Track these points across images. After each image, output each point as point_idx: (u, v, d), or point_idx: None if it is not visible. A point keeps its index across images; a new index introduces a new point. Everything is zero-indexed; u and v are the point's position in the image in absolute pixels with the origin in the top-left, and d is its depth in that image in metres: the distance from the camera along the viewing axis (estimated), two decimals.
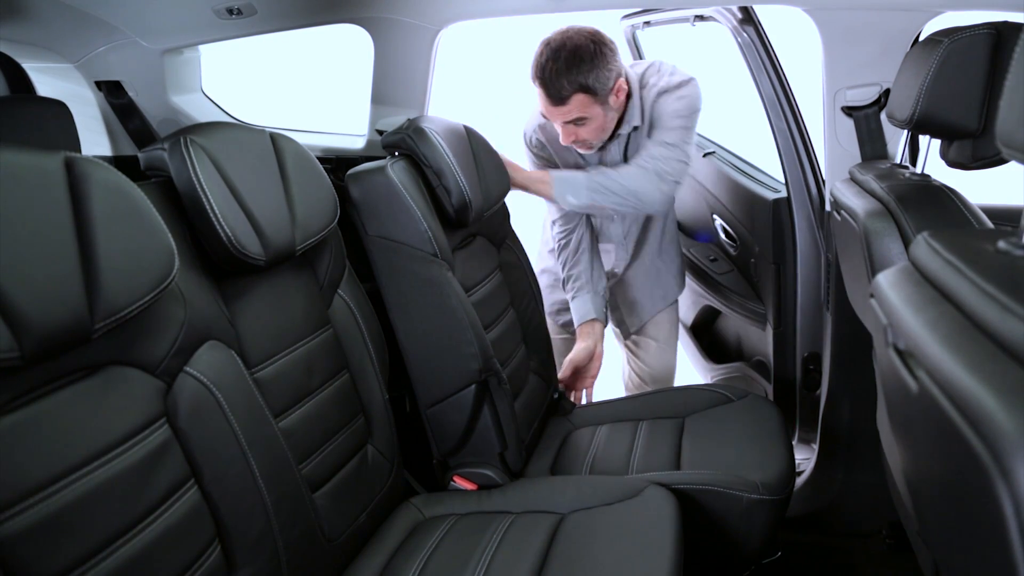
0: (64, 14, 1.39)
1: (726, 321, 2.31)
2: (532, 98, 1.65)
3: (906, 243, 1.04)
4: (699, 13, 1.81)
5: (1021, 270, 0.52)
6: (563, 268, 1.86)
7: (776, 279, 1.85)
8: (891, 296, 0.63)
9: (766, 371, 1.99)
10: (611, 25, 2.26)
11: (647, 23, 2.19)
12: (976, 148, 1.06)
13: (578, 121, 1.59)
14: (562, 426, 1.72)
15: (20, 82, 1.62)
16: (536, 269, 1.99)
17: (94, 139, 1.67)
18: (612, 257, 1.93)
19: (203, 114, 1.72)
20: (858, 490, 1.69)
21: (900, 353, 0.60)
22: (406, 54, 1.59)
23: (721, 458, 1.45)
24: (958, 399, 0.45)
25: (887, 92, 1.44)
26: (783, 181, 1.76)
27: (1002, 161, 0.98)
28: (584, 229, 1.83)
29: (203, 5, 1.42)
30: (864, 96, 1.47)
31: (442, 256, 1.40)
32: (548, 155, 1.79)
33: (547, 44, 1.53)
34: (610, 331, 2.00)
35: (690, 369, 2.40)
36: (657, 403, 1.76)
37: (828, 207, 1.60)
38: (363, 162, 1.72)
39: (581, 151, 1.70)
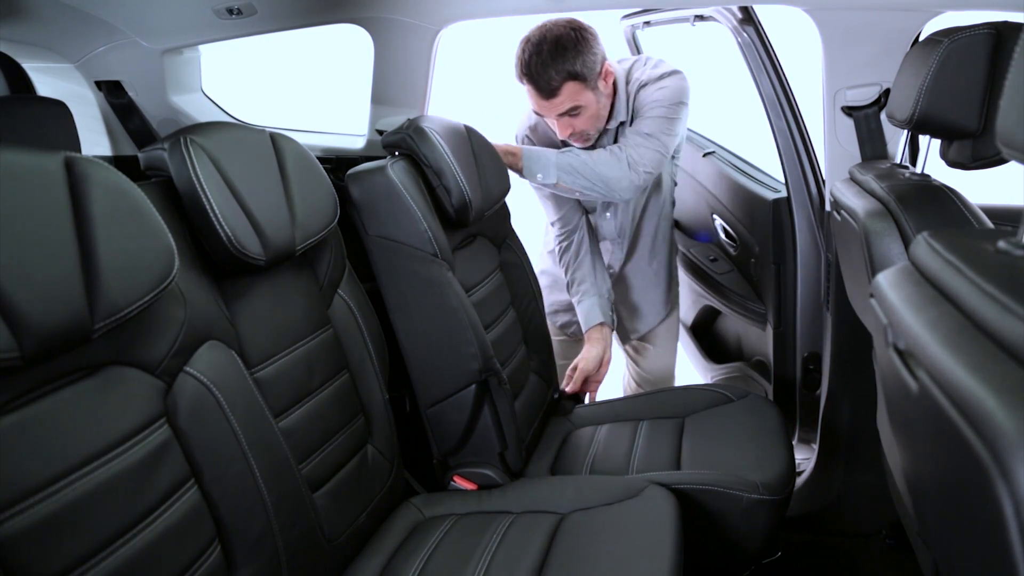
0: (64, 14, 1.39)
1: (726, 321, 2.31)
2: (524, 100, 1.65)
3: (906, 243, 1.05)
4: (699, 13, 1.81)
5: (1021, 270, 0.52)
6: (566, 271, 1.85)
7: (776, 279, 1.85)
8: (891, 296, 0.63)
9: (766, 371, 1.99)
10: (611, 25, 2.26)
11: (647, 23, 2.19)
12: (976, 148, 1.06)
13: (572, 111, 1.59)
14: (562, 426, 1.72)
15: (20, 82, 1.62)
16: (535, 270, 1.99)
17: (94, 139, 1.67)
18: (608, 255, 1.93)
19: (203, 114, 1.72)
20: (858, 490, 1.69)
21: (900, 353, 0.60)
22: (406, 54, 1.59)
23: (721, 458, 1.45)
24: (958, 399, 0.45)
25: (887, 92, 1.44)
26: (783, 181, 1.76)
27: (1002, 161, 0.98)
28: (584, 230, 1.83)
29: (203, 5, 1.42)
30: (864, 96, 1.47)
31: (442, 256, 1.40)
32: None
33: (527, 40, 1.53)
34: None
35: (690, 369, 2.40)
36: (657, 403, 1.75)
37: (828, 207, 1.60)
38: (363, 162, 1.72)
39: (578, 145, 1.70)
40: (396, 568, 1.19)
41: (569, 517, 1.28)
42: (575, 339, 2.01)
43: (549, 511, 1.31)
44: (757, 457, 1.43)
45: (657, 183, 1.85)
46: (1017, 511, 0.39)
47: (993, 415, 0.41)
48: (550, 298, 1.99)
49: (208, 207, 1.04)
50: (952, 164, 1.13)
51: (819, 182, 1.70)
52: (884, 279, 0.67)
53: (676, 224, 2.17)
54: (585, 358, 1.81)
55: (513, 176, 1.70)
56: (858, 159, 1.51)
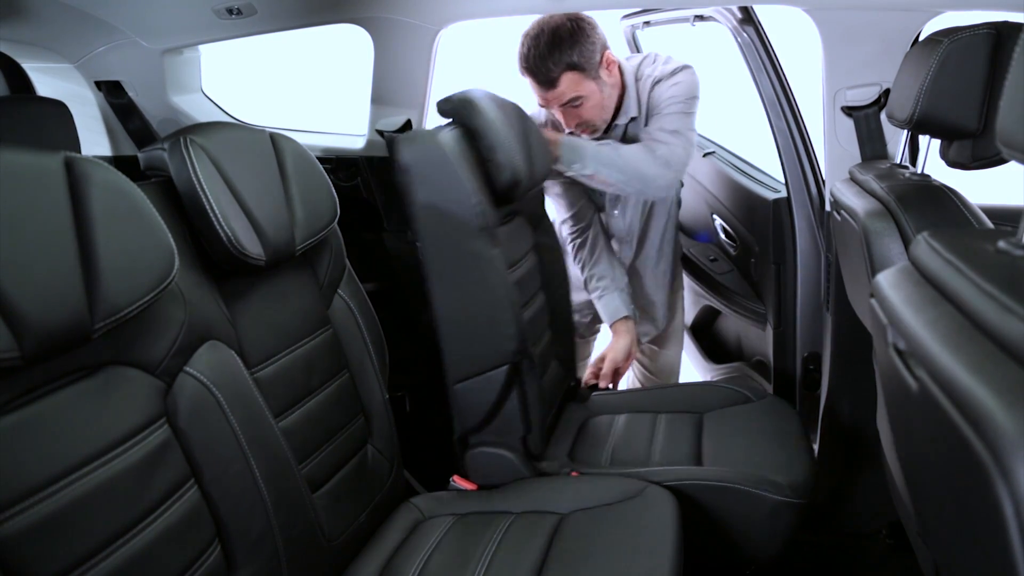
0: (64, 14, 1.39)
1: (726, 321, 2.30)
2: (530, 97, 1.65)
3: (906, 243, 1.04)
4: (699, 13, 1.81)
5: (1021, 270, 0.52)
6: (582, 268, 1.85)
7: (776, 279, 1.85)
8: (891, 296, 0.63)
9: (766, 371, 1.99)
10: (611, 25, 2.26)
11: (647, 23, 2.19)
12: (976, 148, 1.06)
13: (575, 101, 1.59)
14: (579, 413, 1.71)
15: (20, 82, 1.62)
16: None
17: (94, 139, 1.67)
18: (617, 252, 1.93)
19: (203, 114, 1.72)
20: (858, 490, 1.69)
21: (900, 353, 0.60)
22: (406, 54, 1.59)
23: (743, 457, 1.43)
24: (958, 399, 0.45)
25: (887, 92, 1.44)
26: (783, 181, 1.76)
27: (1002, 161, 0.98)
28: (598, 226, 1.83)
29: (203, 5, 1.42)
30: (864, 96, 1.47)
31: (489, 231, 1.36)
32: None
33: (526, 34, 1.55)
34: (606, 329, 2.00)
35: (690, 368, 2.40)
36: (674, 397, 1.75)
37: (828, 207, 1.60)
38: (363, 162, 1.72)
39: (586, 136, 1.70)
40: (396, 568, 1.19)
41: (569, 517, 1.28)
42: (581, 338, 2.02)
43: (549, 511, 1.31)
44: (781, 459, 1.40)
45: None
46: (1017, 511, 0.39)
47: (993, 415, 0.41)
48: None
49: (208, 207, 1.04)
50: (952, 164, 1.13)
51: (819, 182, 1.69)
52: (884, 279, 0.67)
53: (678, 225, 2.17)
54: (614, 348, 1.82)
55: None
56: (858, 159, 1.50)
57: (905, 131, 1.37)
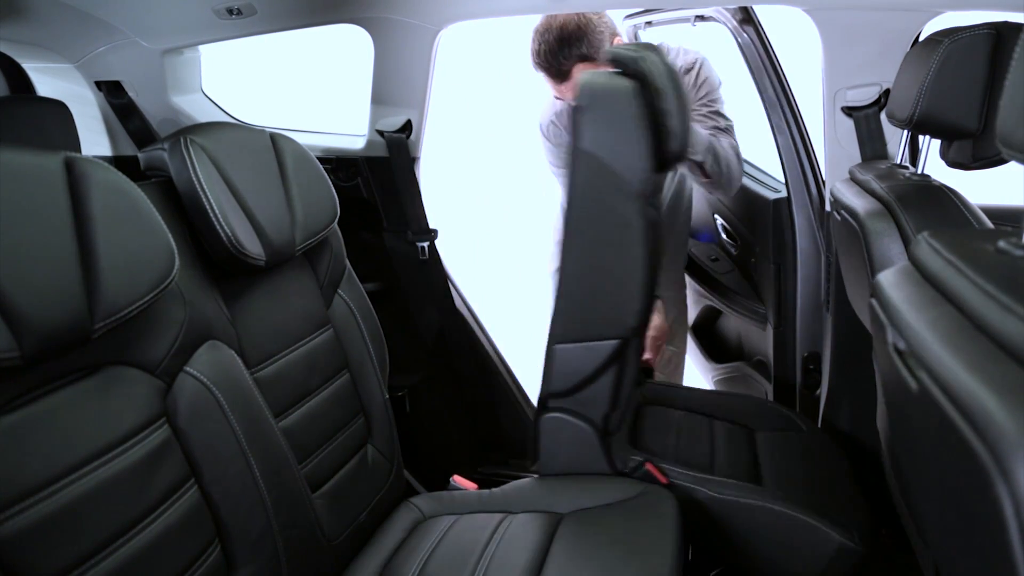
0: (64, 14, 1.39)
1: (726, 321, 2.31)
2: (535, 95, 1.65)
3: (906, 243, 1.04)
4: (699, 13, 1.82)
5: (1021, 270, 0.52)
6: None
7: (776, 279, 1.85)
8: (891, 296, 0.63)
9: (766, 371, 1.99)
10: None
11: (649, 23, 2.19)
12: (976, 148, 1.06)
13: None
14: (634, 396, 1.64)
15: (20, 82, 1.62)
16: (549, 268, 1.99)
17: (94, 139, 1.67)
18: None
19: (203, 114, 1.72)
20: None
21: (900, 353, 0.59)
22: (406, 54, 1.59)
23: (805, 488, 1.39)
24: (958, 399, 0.45)
25: (887, 92, 1.44)
26: (783, 181, 1.76)
27: (1002, 161, 0.98)
28: None
29: (203, 5, 1.42)
30: (864, 96, 1.47)
31: (644, 199, 1.27)
32: (567, 141, 1.79)
33: (536, 30, 1.58)
34: None
35: (690, 368, 2.40)
36: (726, 405, 1.72)
37: (828, 207, 1.60)
38: (363, 162, 1.73)
39: None
40: (396, 568, 1.19)
41: (569, 517, 1.28)
42: None
43: (549, 511, 1.31)
44: (841, 499, 1.36)
45: (682, 182, 1.90)
46: (1017, 511, 0.39)
47: (993, 416, 0.41)
48: None
49: (208, 207, 1.04)
50: (952, 164, 1.13)
51: (819, 182, 1.70)
52: (884, 279, 0.67)
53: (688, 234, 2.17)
54: (654, 326, 1.83)
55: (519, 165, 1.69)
56: (858, 159, 1.51)
57: (905, 131, 1.37)
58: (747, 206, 1.99)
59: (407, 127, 1.65)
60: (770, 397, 1.95)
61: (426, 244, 1.74)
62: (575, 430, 1.39)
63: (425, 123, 1.68)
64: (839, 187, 1.35)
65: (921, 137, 1.25)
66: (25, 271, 0.71)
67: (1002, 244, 0.56)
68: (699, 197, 2.29)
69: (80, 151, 1.38)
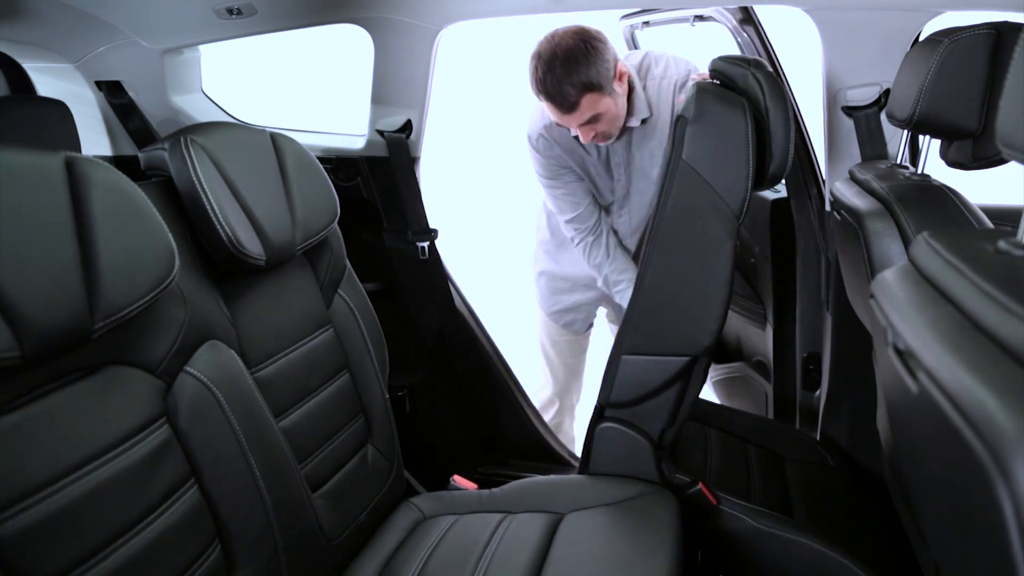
0: (64, 14, 1.39)
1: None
2: (531, 99, 1.64)
3: (906, 243, 1.04)
4: (699, 13, 1.81)
5: (1021, 270, 0.52)
6: (599, 268, 1.84)
7: (776, 279, 1.85)
8: (891, 296, 0.63)
9: (766, 371, 1.99)
10: (610, 25, 2.26)
11: (646, 23, 2.19)
12: (976, 148, 1.06)
13: (593, 119, 1.59)
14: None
15: (20, 82, 1.62)
16: (533, 271, 1.99)
17: (94, 139, 1.67)
18: None
19: (203, 114, 1.72)
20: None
21: (900, 353, 0.59)
22: (406, 54, 1.59)
23: (832, 525, 1.38)
24: (958, 400, 0.45)
25: (887, 92, 1.44)
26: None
27: (1002, 161, 0.98)
28: (606, 225, 1.83)
29: (203, 5, 1.42)
30: (864, 96, 1.47)
31: (738, 220, 1.25)
32: (557, 154, 1.78)
33: (538, 57, 1.51)
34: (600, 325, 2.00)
35: None
36: (757, 428, 1.72)
37: (828, 207, 1.60)
38: (363, 162, 1.72)
39: (600, 144, 1.70)
40: (396, 568, 1.19)
41: (569, 517, 1.28)
42: (576, 334, 2.02)
43: (549, 511, 1.31)
44: (878, 541, 1.35)
45: None
46: (1017, 511, 0.39)
47: (993, 416, 0.41)
48: (553, 299, 1.99)
49: (208, 207, 1.04)
50: (952, 164, 1.13)
51: (819, 182, 1.70)
52: (884, 279, 0.67)
53: None
54: None
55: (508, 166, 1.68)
56: (858, 159, 1.51)
57: (905, 131, 1.37)
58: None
59: (407, 127, 1.65)
60: (770, 397, 1.95)
61: (426, 244, 1.74)
62: (631, 442, 1.38)
63: (425, 123, 1.68)
64: (839, 187, 1.35)
65: (921, 137, 1.25)
66: (25, 271, 0.71)
67: (1002, 244, 0.56)
68: None
69: (80, 151, 1.38)
